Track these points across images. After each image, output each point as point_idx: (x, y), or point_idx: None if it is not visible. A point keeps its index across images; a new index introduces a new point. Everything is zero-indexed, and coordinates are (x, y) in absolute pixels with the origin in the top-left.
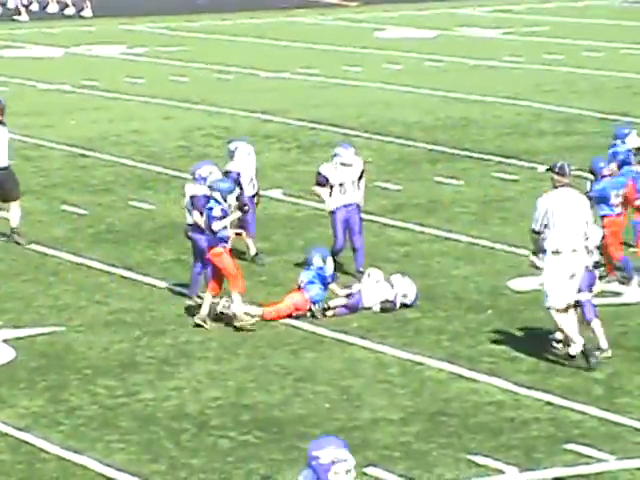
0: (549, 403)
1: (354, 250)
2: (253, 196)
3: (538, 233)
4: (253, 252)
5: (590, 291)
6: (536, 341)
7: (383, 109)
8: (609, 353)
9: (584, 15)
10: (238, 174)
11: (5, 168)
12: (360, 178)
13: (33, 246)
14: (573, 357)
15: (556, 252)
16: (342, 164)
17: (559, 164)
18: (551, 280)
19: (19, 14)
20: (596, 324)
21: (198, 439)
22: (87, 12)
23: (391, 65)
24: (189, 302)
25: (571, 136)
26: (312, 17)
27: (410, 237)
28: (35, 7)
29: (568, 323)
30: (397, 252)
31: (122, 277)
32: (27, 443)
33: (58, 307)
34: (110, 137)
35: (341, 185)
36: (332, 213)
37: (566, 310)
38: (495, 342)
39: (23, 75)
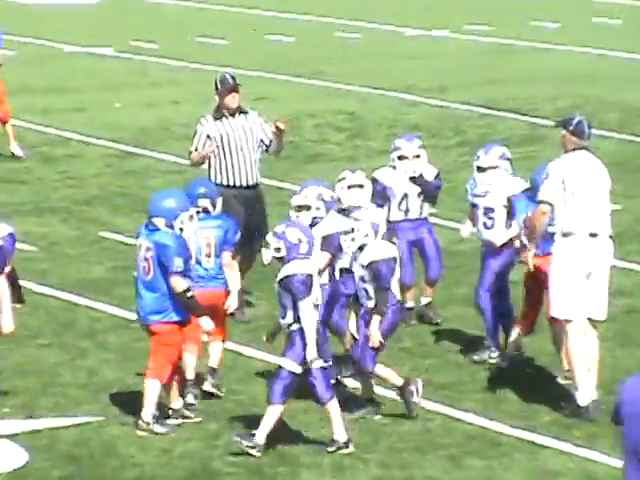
0: None
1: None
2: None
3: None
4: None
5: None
6: None
7: (592, 86)
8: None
9: None
10: (384, 188)
11: (254, 186)
12: (433, 190)
13: (57, 293)
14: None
15: (567, 234)
16: (399, 157)
17: (575, 119)
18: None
19: None
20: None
21: None
22: None
23: (604, 19)
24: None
25: None
26: None
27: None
28: None
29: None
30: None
31: None
32: None
33: (93, 386)
34: (173, 127)
35: (405, 197)
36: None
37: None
38: None
39: (44, 33)
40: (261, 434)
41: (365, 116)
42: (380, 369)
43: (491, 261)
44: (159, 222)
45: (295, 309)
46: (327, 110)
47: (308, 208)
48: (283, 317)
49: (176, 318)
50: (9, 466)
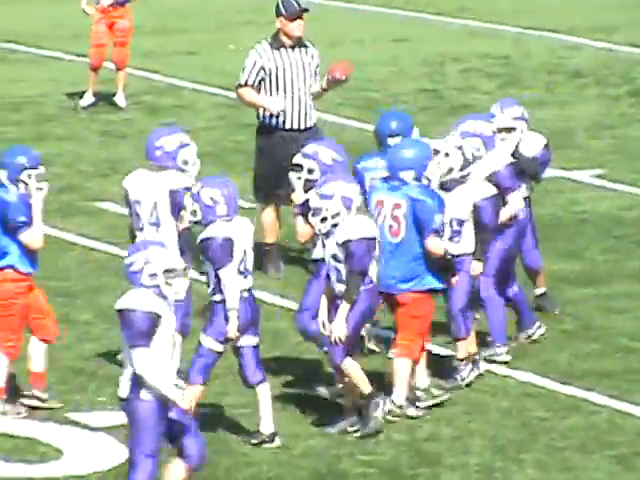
0: None
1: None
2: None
3: None
4: (540, 291)
5: None
6: None
7: None
8: None
9: None
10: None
11: (309, 129)
12: (529, 168)
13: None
14: None
15: None
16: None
17: None
18: None
19: None
20: None
21: None
22: None
23: None
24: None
25: None
26: None
27: None
28: None
29: None
30: None
31: None
32: None
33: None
34: None
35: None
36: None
37: None
38: None
39: None
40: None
41: (519, 61)
42: (350, 365)
43: None
44: (407, 175)
45: (218, 278)
46: (475, 54)
47: (300, 168)
48: (207, 285)
49: (429, 285)
50: (107, 463)
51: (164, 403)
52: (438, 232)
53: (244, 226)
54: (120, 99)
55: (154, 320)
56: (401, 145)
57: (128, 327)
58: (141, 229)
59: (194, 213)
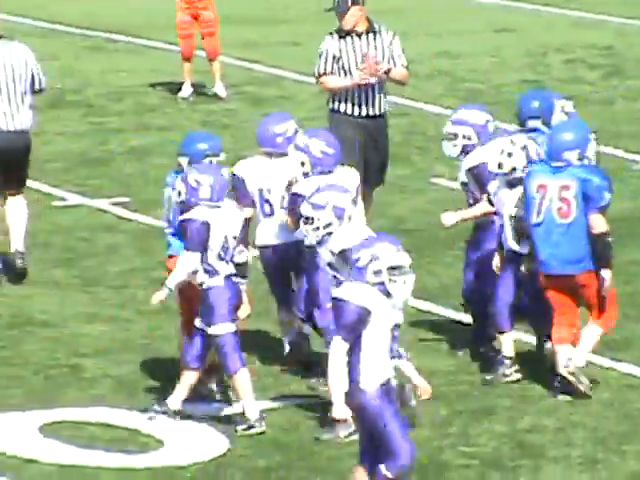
0: None
1: None
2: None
3: None
4: None
5: None
6: None
7: None
8: None
9: None
10: None
11: (376, 117)
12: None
13: None
14: None
15: None
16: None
17: None
18: None
19: None
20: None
21: None
22: None
23: None
24: None
25: None
26: None
27: None
28: None
29: None
30: None
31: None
32: None
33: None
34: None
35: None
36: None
37: None
38: None
39: None
40: (175, 400)
41: (624, 51)
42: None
43: None
44: (572, 155)
45: (206, 264)
46: (579, 44)
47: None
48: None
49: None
50: (209, 454)
51: (386, 388)
52: (604, 210)
53: (231, 213)
54: (220, 89)
55: (362, 315)
56: (562, 127)
57: (337, 316)
58: (269, 215)
59: (179, 193)
